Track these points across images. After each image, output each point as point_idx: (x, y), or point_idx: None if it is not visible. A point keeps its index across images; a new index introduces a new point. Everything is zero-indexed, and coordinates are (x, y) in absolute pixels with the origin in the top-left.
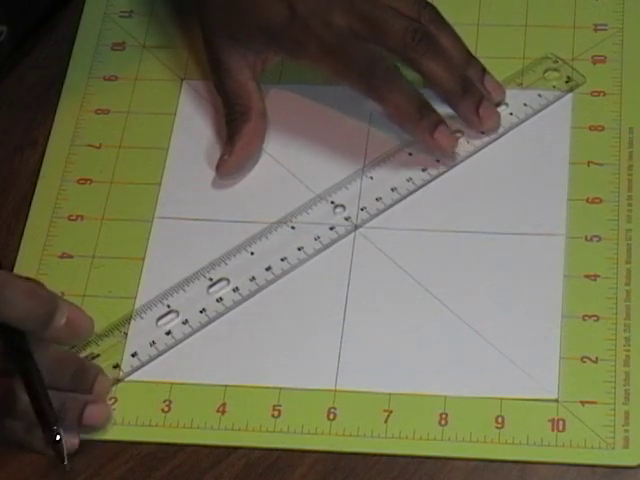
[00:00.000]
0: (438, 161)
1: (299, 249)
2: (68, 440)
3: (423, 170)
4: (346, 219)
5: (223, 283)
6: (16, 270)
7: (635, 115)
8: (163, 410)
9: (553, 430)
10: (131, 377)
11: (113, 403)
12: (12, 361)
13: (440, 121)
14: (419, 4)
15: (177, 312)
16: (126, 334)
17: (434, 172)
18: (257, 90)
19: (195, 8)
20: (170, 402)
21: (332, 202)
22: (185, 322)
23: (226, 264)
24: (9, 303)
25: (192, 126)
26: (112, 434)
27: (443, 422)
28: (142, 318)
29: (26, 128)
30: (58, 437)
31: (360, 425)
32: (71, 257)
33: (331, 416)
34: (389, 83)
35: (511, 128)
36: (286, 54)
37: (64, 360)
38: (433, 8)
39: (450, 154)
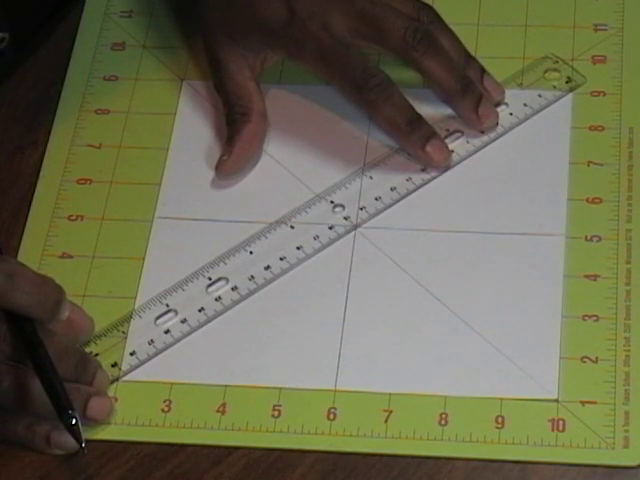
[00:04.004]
0: None
1: (298, 248)
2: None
3: (423, 170)
4: (345, 218)
5: (222, 282)
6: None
7: (635, 115)
8: (163, 410)
9: (553, 430)
10: (131, 377)
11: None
12: (24, 348)
13: (432, 134)
14: (418, 5)
15: (176, 311)
16: (125, 333)
17: (434, 172)
18: (257, 90)
19: (194, 8)
20: (170, 402)
21: (331, 202)
22: (184, 321)
23: (225, 263)
24: (20, 290)
25: (192, 126)
26: (112, 434)
27: (443, 422)
28: (141, 317)
29: (26, 128)
30: (74, 420)
31: (360, 425)
32: (71, 257)
33: (331, 416)
34: (382, 95)
35: (511, 128)
36: (284, 54)
37: (68, 351)
38: (432, 9)
39: (443, 167)
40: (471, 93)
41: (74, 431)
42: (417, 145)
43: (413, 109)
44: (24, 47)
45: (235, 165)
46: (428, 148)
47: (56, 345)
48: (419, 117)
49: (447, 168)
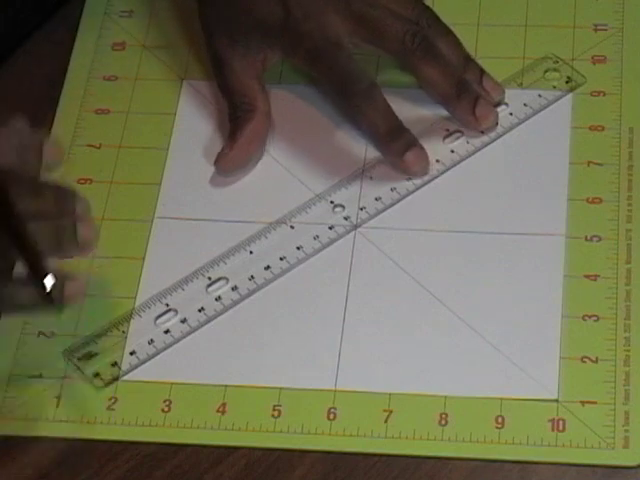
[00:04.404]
0: (438, 161)
1: (298, 248)
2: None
3: None
4: (345, 219)
5: (222, 282)
6: (16, 271)
7: (635, 115)
8: (163, 410)
9: (553, 430)
10: (131, 377)
11: (113, 403)
12: None
13: (412, 144)
14: (417, 8)
15: (176, 311)
16: (125, 333)
17: (433, 172)
18: (262, 90)
19: (197, 8)
20: (170, 402)
21: (331, 202)
22: (184, 321)
23: (225, 263)
24: None
25: (192, 126)
26: (112, 434)
27: (443, 422)
28: (141, 317)
29: None
30: (50, 284)
31: (360, 425)
32: (71, 257)
33: (331, 416)
34: (366, 101)
35: (511, 128)
36: (281, 53)
37: (42, 186)
38: (431, 12)
39: (420, 176)
40: (467, 95)
41: (49, 298)
42: (395, 155)
43: (395, 117)
44: (22, 39)
45: (235, 161)
46: (405, 157)
47: (28, 184)
48: (400, 126)
49: (447, 167)
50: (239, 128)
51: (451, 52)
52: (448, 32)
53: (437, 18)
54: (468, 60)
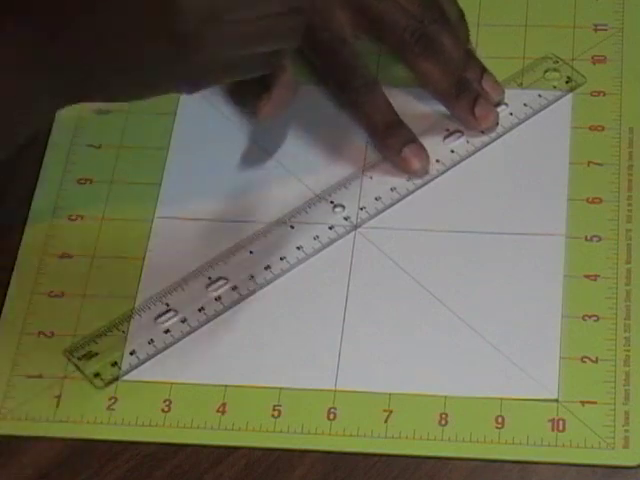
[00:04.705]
0: (438, 161)
1: (298, 248)
2: None
3: None
4: (345, 219)
5: (222, 282)
6: (16, 270)
7: (635, 115)
8: (163, 410)
9: (553, 430)
10: (131, 377)
11: (113, 403)
12: None
13: (411, 140)
14: (424, 4)
15: (176, 311)
16: (125, 332)
17: (433, 172)
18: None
19: None
20: (170, 402)
21: (331, 202)
22: (184, 321)
23: (225, 263)
24: None
25: (192, 126)
26: (112, 434)
27: (443, 422)
28: (141, 316)
29: None
30: None
31: (360, 425)
32: (71, 257)
33: (331, 416)
34: (366, 96)
35: (511, 128)
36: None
37: None
38: (438, 8)
39: (419, 174)
40: (467, 94)
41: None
42: (392, 151)
43: (394, 113)
44: None
45: (275, 107)
46: (403, 154)
47: None
48: (398, 122)
49: (447, 167)
50: (274, 77)
51: (453, 49)
52: (452, 29)
53: (443, 14)
54: (469, 58)
